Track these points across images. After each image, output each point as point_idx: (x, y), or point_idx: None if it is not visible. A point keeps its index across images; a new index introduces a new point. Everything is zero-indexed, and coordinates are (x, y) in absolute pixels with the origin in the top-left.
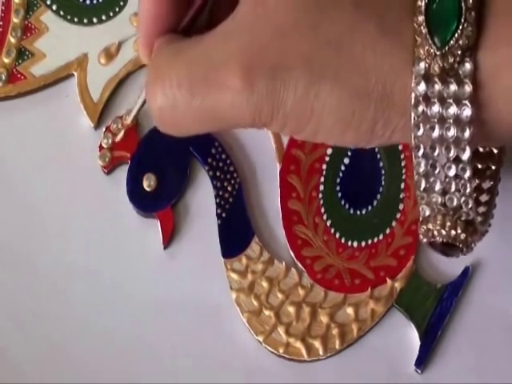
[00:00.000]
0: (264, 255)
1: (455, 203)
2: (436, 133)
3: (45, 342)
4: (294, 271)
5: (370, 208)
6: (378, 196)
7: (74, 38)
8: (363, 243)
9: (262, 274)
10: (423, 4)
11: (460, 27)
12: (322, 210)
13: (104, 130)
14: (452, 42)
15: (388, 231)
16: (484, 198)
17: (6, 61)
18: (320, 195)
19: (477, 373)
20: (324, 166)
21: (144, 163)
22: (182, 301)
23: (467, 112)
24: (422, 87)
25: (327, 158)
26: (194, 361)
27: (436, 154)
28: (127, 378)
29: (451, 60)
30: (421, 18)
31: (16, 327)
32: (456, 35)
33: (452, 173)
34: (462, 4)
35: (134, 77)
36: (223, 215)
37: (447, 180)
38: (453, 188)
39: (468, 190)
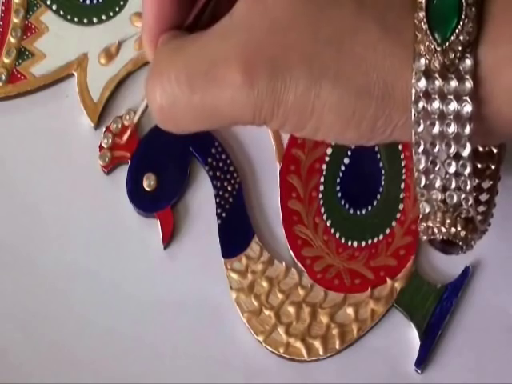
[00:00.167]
0: (264, 255)
1: (455, 200)
2: (436, 129)
3: (45, 342)
4: (294, 271)
5: (370, 208)
6: (378, 196)
7: (73, 38)
8: (363, 243)
9: (262, 274)
10: (424, 0)
11: (460, 23)
12: (322, 209)
13: (104, 130)
14: (452, 37)
15: (388, 231)
16: (484, 197)
17: (6, 61)
18: (320, 195)
19: (477, 373)
20: (324, 166)
21: (144, 163)
22: (182, 301)
23: (468, 108)
24: (423, 83)
25: (327, 158)
26: (194, 361)
27: (436, 150)
28: (127, 377)
29: (452, 56)
30: (421, 14)
31: (16, 327)
32: (456, 31)
33: (452, 169)
34: (463, 0)
35: (134, 77)
36: (223, 215)
37: (447, 177)
38: (453, 185)
39: (468, 187)
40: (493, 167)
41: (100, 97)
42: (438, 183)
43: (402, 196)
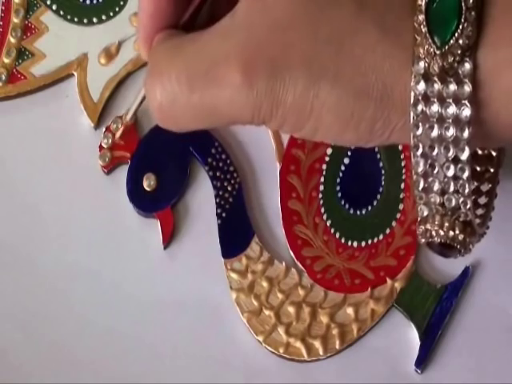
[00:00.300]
0: (264, 255)
1: (454, 203)
2: (435, 132)
3: (45, 342)
4: (294, 271)
5: (370, 208)
6: (378, 196)
7: (73, 38)
8: (363, 243)
9: (261, 274)
10: (423, 3)
11: (460, 27)
12: (322, 209)
13: (104, 130)
14: (452, 41)
15: (388, 231)
16: (483, 200)
17: (6, 61)
18: (320, 195)
19: (477, 373)
20: (324, 166)
21: (144, 163)
22: (182, 301)
23: (466, 112)
24: (422, 86)
25: (327, 158)
26: (194, 361)
27: (435, 153)
28: (127, 377)
29: (451, 59)
30: (421, 17)
31: (16, 327)
32: (456, 35)
33: (451, 173)
34: (462, 3)
35: (134, 77)
36: (223, 215)
37: (446, 180)
38: (451, 188)
39: (467, 191)
40: (492, 170)
41: (100, 97)
42: (436, 186)
43: (401, 196)
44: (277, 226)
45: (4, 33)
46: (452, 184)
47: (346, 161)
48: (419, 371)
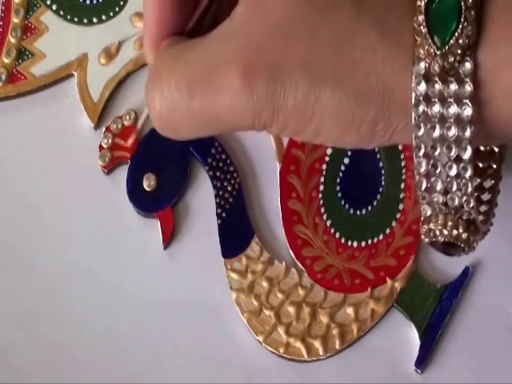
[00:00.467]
0: (264, 255)
1: (457, 202)
2: (437, 132)
3: (45, 342)
4: (294, 271)
5: (370, 208)
6: (378, 196)
7: (73, 37)
8: (363, 243)
9: (261, 274)
10: (423, 4)
11: (460, 26)
12: (322, 209)
13: (104, 130)
14: (452, 41)
15: (388, 231)
16: (485, 196)
17: (6, 61)
18: (320, 195)
19: (477, 373)
20: (324, 166)
21: (144, 163)
22: (182, 301)
23: (468, 111)
24: (423, 87)
25: (327, 158)
26: (194, 361)
27: (437, 153)
28: (127, 377)
29: (451, 59)
30: (420, 18)
31: (16, 327)
32: (456, 34)
33: (453, 172)
34: (462, 3)
35: (134, 77)
36: (223, 215)
37: (448, 179)
38: (454, 187)
39: (469, 189)
40: (494, 166)
41: (100, 97)
42: (439, 186)
43: (401, 196)
44: (277, 226)
45: (4, 33)
46: (455, 183)
47: (346, 161)
48: (419, 371)
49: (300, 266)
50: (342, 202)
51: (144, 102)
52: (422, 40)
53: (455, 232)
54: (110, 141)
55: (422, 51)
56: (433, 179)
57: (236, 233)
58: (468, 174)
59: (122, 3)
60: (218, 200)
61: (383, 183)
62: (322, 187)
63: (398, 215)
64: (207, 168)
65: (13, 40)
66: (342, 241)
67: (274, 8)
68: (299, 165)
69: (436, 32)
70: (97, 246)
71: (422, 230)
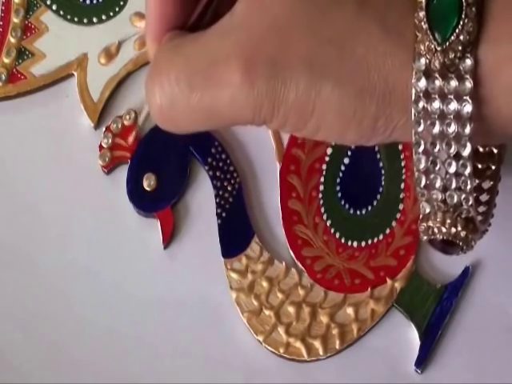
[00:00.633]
0: (264, 255)
1: (455, 200)
2: (436, 129)
3: (45, 341)
4: (294, 271)
5: (370, 208)
6: (378, 196)
7: (73, 37)
8: (363, 243)
9: (261, 273)
10: (424, 0)
11: (461, 23)
12: (322, 209)
13: (104, 130)
14: (453, 37)
15: (388, 231)
16: (484, 197)
17: (6, 61)
18: (320, 195)
19: (477, 373)
20: (324, 166)
21: (144, 163)
22: (182, 301)
23: (468, 108)
24: (423, 83)
25: (327, 158)
26: (194, 361)
27: (436, 150)
28: (127, 378)
29: (452, 56)
30: (421, 14)
31: (16, 327)
32: (457, 31)
33: (452, 169)
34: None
35: (134, 77)
36: (223, 215)
37: (448, 177)
38: (453, 185)
39: (468, 187)
40: (493, 167)
41: (100, 97)
42: (438, 183)
43: (401, 196)
44: (277, 225)
45: (4, 33)
46: (454, 180)
47: (346, 161)
48: (419, 371)
49: (300, 265)
50: (342, 202)
51: (144, 101)
52: (423, 36)
53: (454, 230)
54: (110, 141)
55: (422, 47)
56: (432, 176)
57: (236, 233)
58: (467, 171)
59: (121, 3)
60: (217, 200)
61: (383, 183)
62: (322, 187)
63: (398, 215)
64: (207, 168)
65: (13, 40)
66: (342, 241)
67: (274, 3)
68: (299, 165)
69: (437, 28)
70: (97, 245)
71: (421, 227)
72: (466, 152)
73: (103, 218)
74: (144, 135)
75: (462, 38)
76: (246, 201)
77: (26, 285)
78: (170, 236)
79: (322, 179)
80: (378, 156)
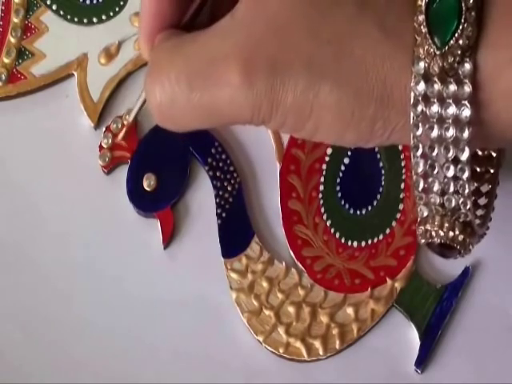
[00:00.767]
0: (264, 255)
1: (453, 204)
2: (435, 133)
3: (45, 341)
4: (294, 271)
5: (370, 208)
6: (378, 196)
7: (73, 37)
8: (363, 243)
9: (261, 273)
10: (423, 3)
11: (460, 27)
12: (322, 209)
13: (104, 130)
14: (452, 41)
15: (388, 231)
16: (482, 201)
17: (6, 61)
18: (320, 195)
19: (477, 373)
20: (324, 166)
21: (144, 163)
22: (182, 301)
23: (466, 112)
24: (422, 87)
25: (327, 158)
26: (194, 361)
27: (435, 154)
28: (127, 377)
29: (451, 60)
30: (421, 18)
31: (16, 327)
32: (456, 35)
33: (451, 173)
34: (462, 4)
35: (134, 77)
36: (223, 215)
37: (446, 181)
38: (451, 189)
39: (466, 191)
40: (492, 171)
41: (100, 97)
42: (436, 187)
43: (401, 196)
44: (277, 226)
45: (4, 33)
46: (452, 184)
47: (346, 161)
48: (419, 371)
49: (300, 266)
50: (342, 202)
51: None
52: (422, 40)
53: (451, 234)
54: (110, 141)
55: (421, 51)
56: (430, 180)
57: (236, 233)
58: (465, 175)
59: (121, 3)
60: (217, 200)
61: (383, 183)
62: (322, 187)
63: (398, 215)
64: (207, 168)
65: (13, 40)
66: (342, 241)
67: (275, 5)
68: (299, 165)
69: (436, 32)
70: (97, 245)
71: (419, 230)
72: (465, 156)
73: (103, 217)
74: (144, 135)
75: (461, 42)
76: (245, 201)
77: (26, 285)
78: (169, 236)
79: (322, 179)
80: (378, 156)
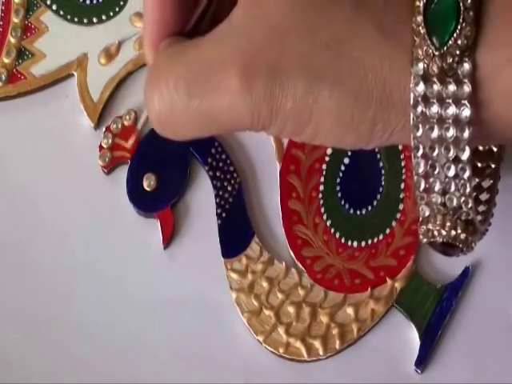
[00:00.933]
0: (264, 255)
1: (455, 203)
2: (435, 133)
3: (45, 341)
4: (294, 271)
5: (370, 208)
6: (378, 196)
7: (73, 37)
8: (363, 243)
9: (262, 274)
10: (422, 4)
11: (458, 27)
12: (322, 209)
13: (104, 130)
14: (450, 42)
15: (388, 231)
16: (484, 196)
17: (6, 61)
18: (320, 195)
19: (476, 373)
20: (324, 166)
21: (144, 163)
22: (182, 301)
23: (466, 112)
24: (421, 87)
25: (327, 158)
26: (194, 361)
27: (435, 154)
28: (127, 378)
29: (450, 60)
30: (419, 19)
31: (16, 327)
32: (454, 35)
33: (451, 173)
34: (461, 4)
35: (134, 77)
36: (223, 215)
37: (447, 180)
38: (452, 188)
39: (468, 190)
40: (493, 166)
41: (100, 97)
42: (437, 187)
43: (401, 196)
44: (277, 226)
45: (4, 33)
46: (453, 184)
47: (346, 161)
48: (419, 371)
49: (300, 266)
50: (342, 202)
51: (144, 102)
52: (421, 41)
53: (453, 232)
54: (110, 141)
55: (420, 52)
56: (431, 180)
57: (236, 233)
58: (466, 174)
59: (121, 3)
60: (217, 200)
61: (383, 183)
62: (322, 187)
63: (398, 215)
64: (207, 168)
65: (13, 40)
66: (342, 241)
67: (272, 9)
68: (299, 165)
69: (435, 33)
70: (97, 245)
71: (421, 230)
72: (465, 156)
73: (103, 217)
74: (144, 135)
75: (459, 42)
76: (245, 201)
77: (26, 285)
78: (169, 236)
79: (322, 179)
80: (378, 156)
